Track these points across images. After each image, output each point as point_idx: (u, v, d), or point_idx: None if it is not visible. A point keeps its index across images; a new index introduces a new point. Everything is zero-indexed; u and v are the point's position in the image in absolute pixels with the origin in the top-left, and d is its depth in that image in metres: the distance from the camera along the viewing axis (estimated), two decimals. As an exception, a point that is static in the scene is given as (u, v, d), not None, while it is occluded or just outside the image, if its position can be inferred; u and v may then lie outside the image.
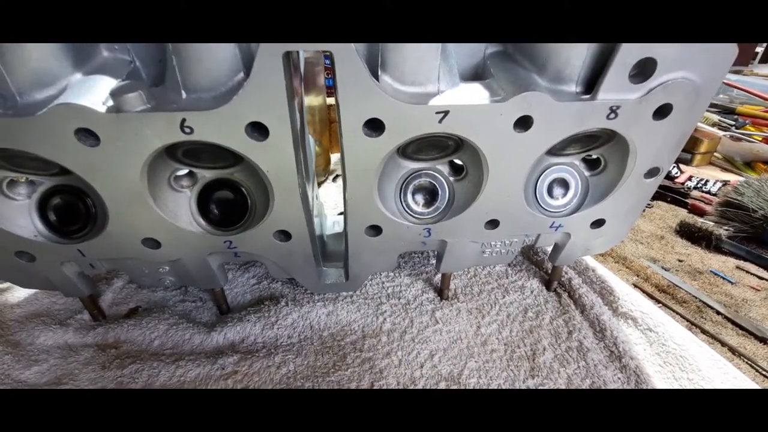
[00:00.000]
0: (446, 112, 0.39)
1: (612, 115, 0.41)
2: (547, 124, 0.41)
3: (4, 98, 0.36)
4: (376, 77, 0.38)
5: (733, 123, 1.22)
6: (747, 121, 1.22)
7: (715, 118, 1.26)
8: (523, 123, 0.40)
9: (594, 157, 0.50)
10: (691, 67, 0.39)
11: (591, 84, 0.40)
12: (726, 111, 1.34)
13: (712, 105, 1.40)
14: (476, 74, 0.46)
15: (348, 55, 0.34)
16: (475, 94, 0.40)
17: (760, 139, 1.15)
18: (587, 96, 0.40)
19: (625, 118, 0.41)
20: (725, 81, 1.41)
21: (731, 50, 0.39)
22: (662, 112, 0.41)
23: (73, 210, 0.46)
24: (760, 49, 2.63)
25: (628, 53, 0.37)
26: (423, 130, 0.40)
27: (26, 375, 0.49)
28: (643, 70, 0.39)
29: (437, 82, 0.40)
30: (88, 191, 0.45)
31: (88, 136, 0.37)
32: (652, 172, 0.48)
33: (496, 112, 0.39)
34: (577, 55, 0.39)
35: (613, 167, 0.49)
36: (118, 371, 0.49)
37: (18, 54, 0.35)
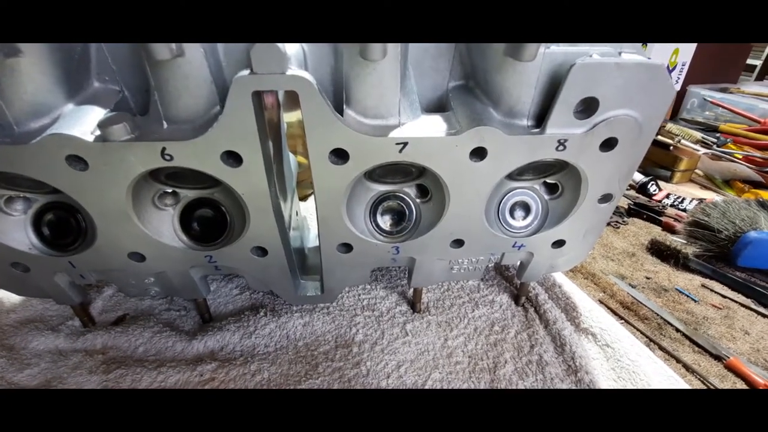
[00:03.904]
0: (405, 143, 0.42)
1: (561, 147, 0.44)
2: (501, 154, 0.44)
3: (2, 127, 0.40)
4: (341, 111, 0.42)
5: (715, 141, 1.25)
6: (728, 140, 1.24)
7: (699, 135, 1.29)
8: (478, 153, 0.44)
9: (552, 182, 0.53)
10: (632, 105, 0.42)
11: (541, 119, 0.44)
12: (710, 129, 1.37)
13: (696, 123, 1.43)
14: (440, 106, 0.49)
15: (312, 94, 0.38)
16: (433, 126, 0.43)
17: (740, 157, 1.18)
18: (537, 130, 0.44)
19: (573, 149, 0.44)
20: (710, 99, 1.44)
21: (668, 92, 0.42)
22: (608, 144, 0.45)
23: (65, 225, 0.50)
24: (756, 62, 2.65)
25: (571, 93, 0.40)
26: (385, 158, 0.43)
27: (18, 377, 0.53)
28: (588, 107, 0.42)
29: (398, 116, 0.43)
30: (78, 208, 0.48)
31: (77, 161, 0.40)
32: (605, 198, 0.51)
33: (452, 144, 0.43)
34: (526, 94, 0.42)
35: (569, 192, 0.52)
36: (103, 376, 0.53)
37: (14, 87, 0.39)
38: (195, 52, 0.37)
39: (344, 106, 0.42)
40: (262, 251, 0.52)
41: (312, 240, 0.75)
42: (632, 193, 1.08)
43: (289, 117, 0.79)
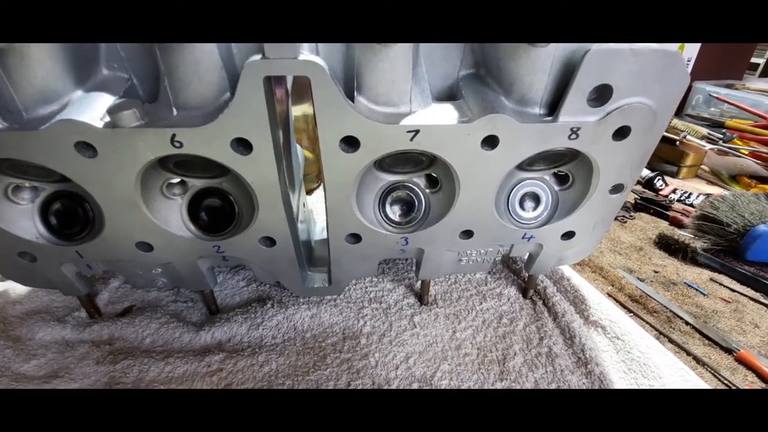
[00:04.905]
0: (416, 131, 0.42)
1: (573, 136, 0.44)
2: (513, 143, 0.43)
3: (11, 113, 0.39)
4: (352, 98, 0.42)
5: (721, 136, 1.24)
6: (734, 135, 1.24)
7: (705, 131, 1.28)
8: (490, 142, 0.43)
9: (563, 172, 0.53)
10: (646, 93, 0.42)
11: (553, 107, 0.43)
12: (715, 124, 1.36)
13: (701, 118, 1.43)
14: (450, 95, 0.49)
15: (324, 80, 0.37)
16: (445, 114, 0.43)
17: (746, 153, 1.17)
18: (549, 118, 0.43)
19: (585, 138, 0.44)
20: (715, 95, 1.43)
21: (683, 79, 0.42)
22: (621, 133, 0.44)
23: (72, 214, 0.49)
24: (759, 61, 2.64)
25: (585, 80, 0.40)
26: (395, 147, 0.43)
27: (25, 368, 0.53)
28: (601, 95, 0.42)
29: (409, 104, 0.43)
30: (86, 197, 0.48)
31: (86, 148, 0.40)
32: (617, 188, 0.51)
33: (464, 132, 0.42)
34: (539, 81, 0.42)
35: (580, 183, 0.52)
36: (110, 366, 0.52)
37: (24, 72, 0.39)
38: (206, 36, 0.37)
39: (355, 93, 0.42)
40: (270, 241, 0.51)
41: (318, 233, 0.74)
42: (639, 187, 1.07)
43: (293, 111, 0.79)
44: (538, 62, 0.40)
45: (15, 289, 0.64)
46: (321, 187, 1.01)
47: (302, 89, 0.90)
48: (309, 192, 0.98)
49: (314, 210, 0.82)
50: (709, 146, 1.19)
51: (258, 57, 0.36)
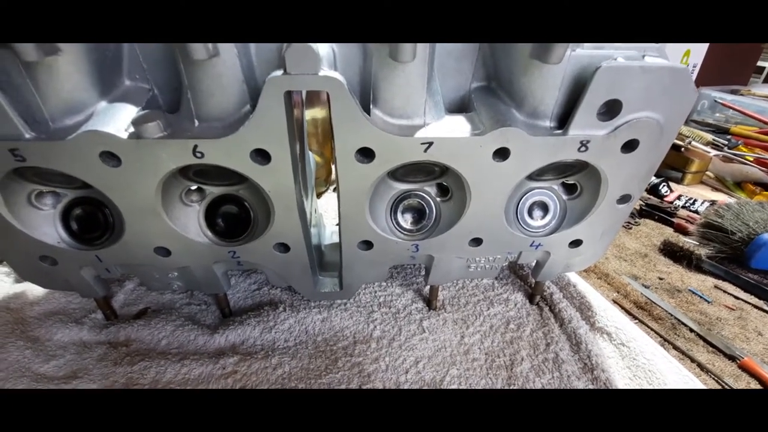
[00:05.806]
0: (430, 143, 0.43)
1: (583, 149, 0.45)
2: (523, 155, 0.45)
3: (38, 124, 0.41)
4: (368, 111, 0.43)
5: (726, 143, 1.25)
6: (739, 142, 1.24)
7: (709, 137, 1.29)
8: (501, 154, 0.44)
9: (571, 182, 0.54)
10: (654, 108, 0.43)
11: (564, 120, 0.44)
12: (720, 131, 1.36)
13: (707, 124, 1.43)
14: (462, 107, 0.50)
15: (342, 94, 0.39)
16: (458, 126, 0.44)
17: (751, 159, 1.18)
18: (560, 131, 0.44)
19: (595, 151, 0.45)
20: (720, 101, 1.44)
21: (691, 94, 0.43)
22: (630, 146, 0.45)
23: (93, 220, 0.51)
24: (765, 64, 2.64)
25: (595, 95, 0.41)
26: (410, 158, 0.44)
27: (45, 369, 0.54)
28: (611, 109, 0.43)
29: (423, 116, 0.44)
30: (107, 203, 0.49)
31: (111, 158, 0.41)
32: (624, 199, 0.52)
33: (476, 144, 0.43)
34: (550, 95, 0.43)
35: (588, 193, 0.53)
36: (128, 367, 0.54)
37: (52, 85, 0.40)
38: (229, 52, 0.38)
39: (371, 106, 0.43)
40: (284, 247, 0.53)
41: (329, 237, 0.76)
42: (644, 193, 1.08)
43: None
44: (550, 78, 0.42)
45: (32, 290, 0.66)
46: (330, 190, 1.03)
47: (312, 93, 0.91)
48: (318, 195, 1.00)
49: (324, 213, 0.83)
50: (714, 152, 1.20)
51: (279, 72, 0.37)
